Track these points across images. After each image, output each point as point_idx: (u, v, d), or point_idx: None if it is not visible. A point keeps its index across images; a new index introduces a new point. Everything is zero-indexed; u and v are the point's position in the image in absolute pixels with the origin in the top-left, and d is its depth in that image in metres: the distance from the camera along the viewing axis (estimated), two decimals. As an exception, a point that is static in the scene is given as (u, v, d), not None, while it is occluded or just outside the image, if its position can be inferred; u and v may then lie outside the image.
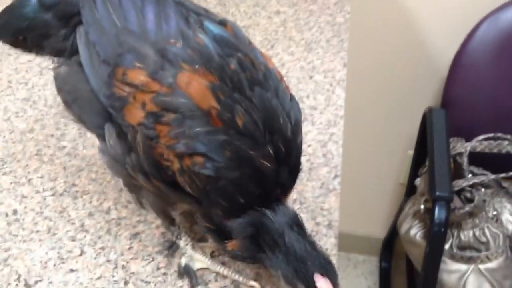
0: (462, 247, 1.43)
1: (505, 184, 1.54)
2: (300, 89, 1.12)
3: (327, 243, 0.86)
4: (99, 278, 0.81)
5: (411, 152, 1.80)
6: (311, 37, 1.26)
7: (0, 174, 0.95)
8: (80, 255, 0.84)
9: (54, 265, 0.82)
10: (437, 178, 1.36)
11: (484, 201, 1.45)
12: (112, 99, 0.69)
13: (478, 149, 1.54)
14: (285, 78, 0.75)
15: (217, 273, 0.82)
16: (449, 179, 1.38)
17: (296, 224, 0.69)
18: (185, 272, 0.81)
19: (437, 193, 1.33)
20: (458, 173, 1.52)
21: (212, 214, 0.69)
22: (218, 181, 0.65)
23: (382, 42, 1.71)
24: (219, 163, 0.64)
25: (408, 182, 1.79)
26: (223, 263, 0.83)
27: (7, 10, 0.79)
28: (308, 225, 0.88)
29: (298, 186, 0.94)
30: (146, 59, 0.67)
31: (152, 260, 0.83)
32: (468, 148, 1.52)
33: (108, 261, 0.83)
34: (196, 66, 0.66)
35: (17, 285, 0.79)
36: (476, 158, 1.55)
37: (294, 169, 0.71)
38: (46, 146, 1.00)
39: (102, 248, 0.85)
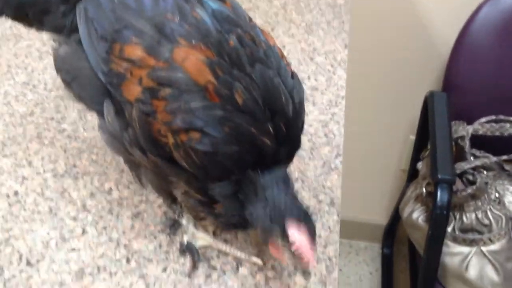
0: (465, 230, 1.42)
1: (507, 167, 1.54)
2: (301, 71, 1.12)
3: (329, 220, 0.86)
4: (101, 256, 0.81)
5: (412, 137, 1.79)
6: (312, 19, 1.26)
7: (0, 157, 0.95)
8: (82, 234, 0.84)
9: (56, 244, 0.82)
10: (439, 161, 1.36)
11: (486, 183, 1.45)
12: (110, 76, 0.69)
13: (480, 132, 1.54)
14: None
15: (220, 251, 0.82)
16: (451, 162, 1.38)
17: (283, 182, 0.68)
18: (188, 249, 0.81)
19: (439, 176, 1.32)
20: (460, 156, 1.52)
21: (206, 188, 0.69)
22: (215, 156, 0.65)
23: (383, 24, 1.70)
24: (215, 139, 0.64)
25: (410, 167, 1.79)
26: (225, 241, 0.82)
27: None
28: (310, 203, 0.88)
29: (300, 165, 0.94)
30: (143, 34, 0.67)
31: (155, 239, 0.83)
32: (470, 131, 1.52)
33: (110, 240, 0.83)
34: (193, 41, 0.65)
35: (19, 264, 0.79)
36: (478, 141, 1.55)
37: (294, 145, 0.71)
38: (46, 129, 1.00)
39: (104, 228, 0.85)
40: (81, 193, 0.90)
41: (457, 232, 1.42)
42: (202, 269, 0.80)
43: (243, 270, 0.80)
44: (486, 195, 1.42)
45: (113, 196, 0.89)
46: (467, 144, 1.51)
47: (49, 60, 1.15)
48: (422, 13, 1.66)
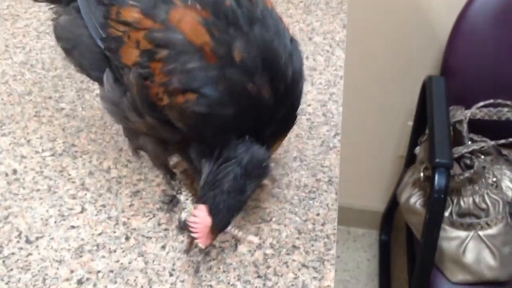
0: (462, 214, 1.43)
1: (505, 151, 1.54)
2: (299, 52, 1.12)
3: (327, 198, 0.86)
4: (100, 234, 0.81)
5: (410, 123, 1.79)
6: (310, -1, 1.25)
7: (-1, 136, 0.95)
8: (81, 212, 0.84)
9: (55, 222, 0.82)
10: (437, 145, 1.36)
11: (484, 167, 1.45)
12: (108, 41, 0.69)
13: (477, 116, 1.54)
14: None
15: (218, 229, 0.82)
16: (449, 146, 1.38)
17: (246, 168, 0.68)
18: (185, 226, 0.81)
19: (437, 160, 1.32)
20: (457, 140, 1.52)
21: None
22: (211, 117, 0.65)
23: (381, 8, 1.70)
24: (212, 100, 0.64)
25: (407, 152, 1.79)
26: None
27: None
28: (309, 182, 0.88)
29: (298, 144, 0.94)
30: None
31: (153, 217, 0.83)
32: (468, 115, 1.52)
33: (109, 218, 0.83)
34: (189, 2, 0.65)
35: (18, 241, 0.79)
36: (476, 126, 1.55)
37: (290, 113, 0.70)
38: (44, 108, 1.00)
39: (103, 206, 0.85)
40: (80, 171, 0.89)
41: (454, 217, 1.43)
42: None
43: (242, 248, 0.80)
44: (483, 180, 1.42)
45: (112, 175, 0.89)
46: (464, 128, 1.51)
47: (47, 40, 1.15)
48: (421, -3, 1.66)
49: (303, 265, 0.77)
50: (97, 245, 0.79)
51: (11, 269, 0.75)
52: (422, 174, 1.49)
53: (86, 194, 0.86)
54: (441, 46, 1.65)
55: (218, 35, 0.64)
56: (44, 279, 0.75)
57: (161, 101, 0.66)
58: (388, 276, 2.08)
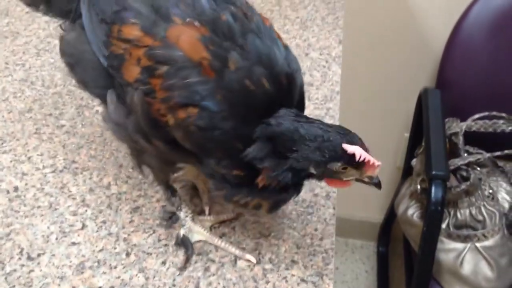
0: (459, 226, 1.44)
1: (501, 163, 1.55)
2: (296, 67, 1.13)
3: (325, 213, 0.87)
4: (101, 250, 0.81)
5: (407, 134, 1.80)
6: (307, 15, 1.27)
7: (0, 153, 0.95)
8: (82, 228, 0.84)
9: (56, 239, 0.83)
10: (433, 157, 1.37)
11: (480, 179, 1.46)
12: (110, 58, 0.71)
13: (473, 128, 1.55)
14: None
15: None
16: (445, 158, 1.39)
17: (297, 114, 0.68)
18: (182, 242, 0.82)
19: (434, 172, 1.33)
20: (454, 152, 1.53)
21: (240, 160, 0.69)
22: (214, 131, 0.66)
23: (376, 21, 1.72)
24: (213, 113, 0.65)
25: (404, 164, 1.80)
26: (221, 236, 0.83)
27: None
28: (307, 197, 0.90)
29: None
30: (140, 15, 0.69)
31: (153, 233, 0.84)
32: (464, 128, 1.53)
33: (110, 234, 0.84)
34: (187, 19, 0.67)
35: (19, 258, 0.80)
36: (472, 138, 1.56)
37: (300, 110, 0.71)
38: (45, 125, 1.01)
39: (104, 222, 0.85)
40: (80, 188, 0.90)
41: (451, 229, 1.43)
42: (200, 262, 0.81)
43: (241, 263, 0.81)
44: (479, 191, 1.43)
45: (112, 191, 0.90)
46: (460, 140, 1.52)
47: (47, 57, 1.16)
48: (416, 11, 1.68)
49: (302, 280, 0.78)
50: (98, 261, 0.80)
51: (13, 286, 0.76)
52: (419, 187, 1.50)
53: (86, 211, 0.87)
54: (437, 58, 1.67)
55: (214, 49, 0.65)
56: (46, 296, 0.76)
57: (164, 118, 0.67)
58: (387, 287, 2.09)
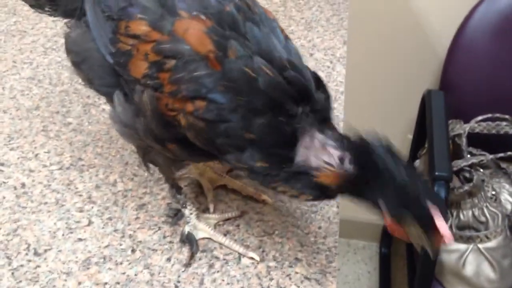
0: (462, 227, 1.44)
1: (504, 165, 1.56)
2: (301, 68, 1.14)
3: (329, 211, 0.88)
4: (107, 246, 0.82)
5: (410, 136, 1.81)
6: (311, 16, 1.28)
7: (7, 150, 0.96)
8: (88, 225, 0.85)
9: (63, 235, 0.84)
10: (437, 158, 1.38)
11: (483, 181, 1.47)
12: (117, 56, 0.71)
13: (476, 130, 1.56)
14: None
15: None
16: (448, 159, 1.39)
17: (390, 146, 0.67)
18: (187, 239, 0.83)
19: (437, 173, 1.34)
20: (457, 154, 1.54)
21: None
22: (222, 124, 0.65)
23: (380, 23, 1.73)
24: (220, 104, 0.65)
25: (407, 165, 1.80)
26: (225, 234, 0.84)
27: None
28: (311, 195, 0.90)
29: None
30: (147, 10, 0.69)
31: (159, 229, 0.85)
32: (467, 129, 1.54)
33: (116, 230, 0.85)
34: (194, 13, 0.68)
35: (26, 254, 0.81)
36: (475, 139, 1.57)
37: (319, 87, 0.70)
38: (52, 123, 1.02)
39: (110, 219, 0.86)
40: (86, 185, 0.91)
41: (454, 230, 1.44)
42: (205, 259, 0.81)
43: (245, 260, 0.81)
44: (482, 193, 1.44)
45: (118, 188, 0.91)
46: (463, 142, 1.52)
47: (54, 56, 1.17)
48: (420, 12, 1.69)
49: (306, 278, 0.79)
50: (104, 258, 0.81)
51: (20, 281, 0.77)
52: (422, 187, 1.50)
53: (93, 207, 0.88)
54: (440, 60, 1.67)
55: (218, 39, 0.66)
56: (53, 291, 0.76)
57: (172, 113, 0.68)
58: (389, 288, 2.09)
